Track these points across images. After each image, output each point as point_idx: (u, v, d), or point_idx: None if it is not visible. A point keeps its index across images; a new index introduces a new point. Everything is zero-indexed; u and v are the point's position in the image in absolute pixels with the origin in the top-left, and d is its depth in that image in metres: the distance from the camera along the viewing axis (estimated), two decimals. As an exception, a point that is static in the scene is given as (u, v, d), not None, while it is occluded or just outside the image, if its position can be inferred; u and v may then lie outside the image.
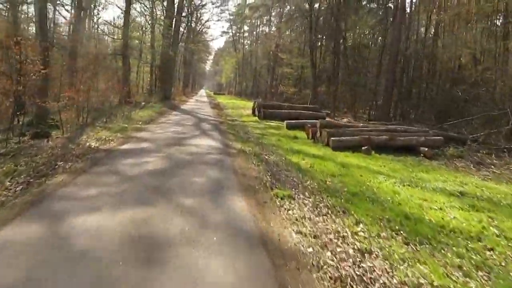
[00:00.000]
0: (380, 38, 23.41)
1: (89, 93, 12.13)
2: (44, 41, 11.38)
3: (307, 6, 23.65)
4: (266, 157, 7.94)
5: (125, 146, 8.07)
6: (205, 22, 52.20)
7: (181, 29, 43.21)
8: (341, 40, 21.37)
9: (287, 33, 28.53)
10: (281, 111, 16.99)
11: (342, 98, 22.51)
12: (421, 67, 20.28)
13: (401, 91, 19.75)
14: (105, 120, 12.85)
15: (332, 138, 9.54)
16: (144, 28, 32.71)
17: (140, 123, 12.71)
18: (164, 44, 29.36)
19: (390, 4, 22.37)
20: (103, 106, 18.50)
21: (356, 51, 23.13)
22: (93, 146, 7.74)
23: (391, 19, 20.40)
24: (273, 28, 44.95)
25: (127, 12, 21.04)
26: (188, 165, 6.39)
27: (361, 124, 13.25)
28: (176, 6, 29.51)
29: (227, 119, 16.70)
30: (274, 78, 30.46)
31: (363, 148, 9.06)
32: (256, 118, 17.13)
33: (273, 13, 45.53)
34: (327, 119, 14.81)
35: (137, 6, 29.50)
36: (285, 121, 14.29)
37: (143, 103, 24.15)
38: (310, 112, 17.19)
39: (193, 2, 41.71)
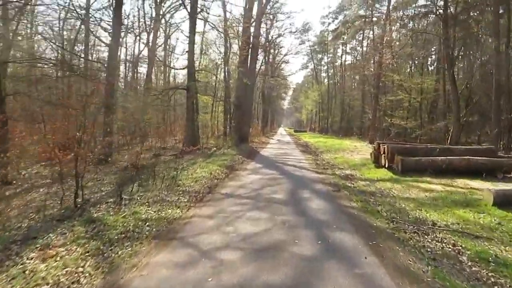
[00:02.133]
0: None
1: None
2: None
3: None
4: None
5: None
6: (284, 55, 47.46)
7: (258, 62, 39.68)
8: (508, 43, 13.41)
9: (396, 46, 21.39)
10: (431, 159, 9.55)
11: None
12: None
13: None
14: (130, 189, 7.23)
15: None
16: (216, 61, 28.77)
17: (185, 197, 6.68)
18: (240, 76, 24.73)
19: None
20: (154, 156, 13.59)
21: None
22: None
23: None
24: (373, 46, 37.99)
25: (191, 33, 16.39)
26: None
27: None
28: (252, 35, 24.88)
29: (336, 173, 9.89)
30: (377, 109, 22.89)
31: None
32: (386, 171, 9.92)
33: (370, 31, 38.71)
34: None
35: (208, 34, 25.67)
36: (488, 190, 6.69)
37: (213, 149, 18.96)
38: (485, 158, 9.39)
39: (270, 33, 37.73)
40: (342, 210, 5.81)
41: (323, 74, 60.51)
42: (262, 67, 41.87)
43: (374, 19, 29.30)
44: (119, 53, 20.33)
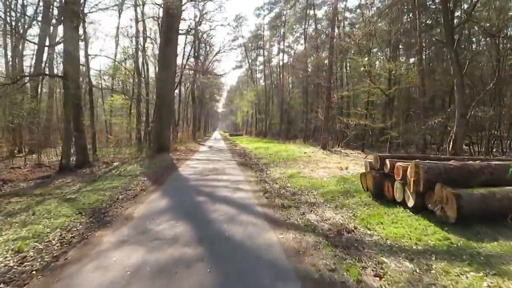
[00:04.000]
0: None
1: None
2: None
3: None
4: None
5: None
6: (216, 53, 42.34)
7: (185, 54, 34.03)
8: None
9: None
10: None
11: None
12: None
13: None
14: None
15: None
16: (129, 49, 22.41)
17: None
18: (159, 67, 19.02)
19: None
20: None
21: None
22: None
23: None
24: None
25: None
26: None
27: None
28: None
29: (318, 228, 4.81)
30: (330, 107, 18.98)
31: None
32: (418, 219, 4.96)
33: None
34: None
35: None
36: None
37: (114, 164, 13.03)
38: None
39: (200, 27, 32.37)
40: None
41: (258, 75, 56.85)
42: (190, 60, 36.24)
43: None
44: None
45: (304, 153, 17.27)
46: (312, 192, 7.03)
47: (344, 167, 10.66)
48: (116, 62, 21.12)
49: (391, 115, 16.09)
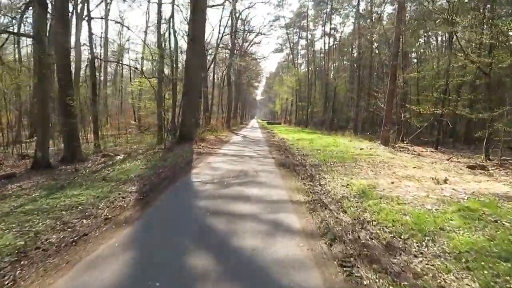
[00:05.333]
0: None
1: None
2: None
3: None
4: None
5: None
6: (256, 35, 38.94)
7: (221, 35, 30.86)
8: None
9: None
10: None
11: None
12: None
13: None
14: None
15: None
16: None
17: None
18: (187, 46, 16.00)
19: None
20: None
21: None
22: None
23: None
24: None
25: None
26: None
27: None
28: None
29: None
30: (393, 91, 14.85)
31: None
32: None
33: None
34: None
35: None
36: None
37: (117, 157, 10.27)
38: None
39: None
40: None
41: (300, 60, 52.44)
42: (225, 38, 33.14)
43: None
44: None
45: (361, 149, 13.46)
46: (430, 249, 3.44)
47: (440, 179, 6.85)
48: (128, 29, 18.33)
49: (490, 100, 11.59)
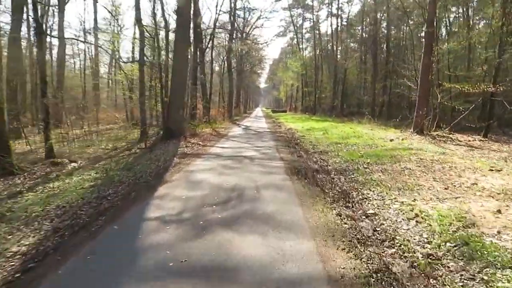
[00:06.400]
0: None
1: None
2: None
3: None
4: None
5: None
6: (257, 19, 35.92)
7: (217, 14, 27.77)
8: None
9: None
10: None
11: None
12: None
13: None
14: None
15: None
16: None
17: None
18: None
19: None
20: None
21: None
22: None
23: None
24: None
25: None
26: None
27: None
28: None
29: None
30: (429, 66, 11.87)
31: None
32: None
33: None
34: None
35: None
36: None
37: (72, 164, 7.60)
38: None
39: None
40: None
41: (304, 45, 48.93)
42: (223, 20, 30.09)
43: None
44: None
45: (391, 140, 10.66)
46: None
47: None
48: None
49: None
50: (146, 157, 8.45)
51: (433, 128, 12.44)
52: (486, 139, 11.15)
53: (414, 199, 4.13)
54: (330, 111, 31.71)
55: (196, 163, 7.35)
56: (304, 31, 48.44)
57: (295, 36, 46.24)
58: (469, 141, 10.88)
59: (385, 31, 24.19)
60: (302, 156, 7.97)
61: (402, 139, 10.79)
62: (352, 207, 4.04)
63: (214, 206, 4.10)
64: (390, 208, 3.92)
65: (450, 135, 11.58)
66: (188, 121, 18.08)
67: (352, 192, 4.63)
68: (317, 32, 43.67)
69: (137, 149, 10.82)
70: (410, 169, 5.91)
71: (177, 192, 4.85)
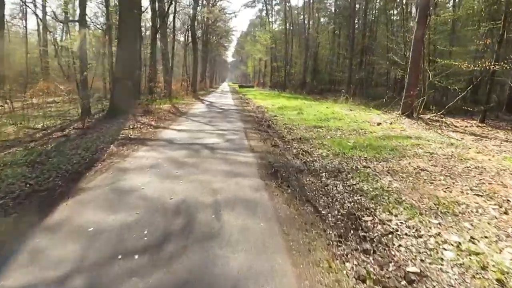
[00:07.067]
0: None
1: None
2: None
3: None
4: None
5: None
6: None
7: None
8: None
9: None
10: None
11: None
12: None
13: None
14: None
15: None
16: None
17: None
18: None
19: None
20: None
21: None
22: None
23: None
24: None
25: None
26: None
27: None
28: None
29: None
30: (422, 40, 10.44)
31: None
32: None
33: None
34: None
35: None
36: None
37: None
38: None
39: None
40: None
41: (273, 18, 46.41)
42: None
43: None
44: None
45: (378, 124, 9.29)
46: None
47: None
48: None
49: None
50: (75, 142, 6.37)
51: (421, 110, 11.19)
52: (484, 124, 10.07)
53: (472, 238, 2.59)
54: (301, 87, 30.18)
55: (137, 154, 5.43)
56: (274, 2, 45.98)
57: (264, 7, 43.74)
58: (466, 127, 9.74)
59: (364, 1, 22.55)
60: (277, 146, 6.28)
61: (391, 123, 9.42)
62: (374, 252, 2.42)
63: (136, 257, 2.31)
64: (442, 259, 2.33)
65: (444, 120, 10.40)
66: (145, 96, 15.76)
67: (363, 216, 3.02)
68: (288, 4, 41.44)
69: (72, 130, 8.61)
70: (425, 170, 4.43)
71: (86, 215, 2.98)
